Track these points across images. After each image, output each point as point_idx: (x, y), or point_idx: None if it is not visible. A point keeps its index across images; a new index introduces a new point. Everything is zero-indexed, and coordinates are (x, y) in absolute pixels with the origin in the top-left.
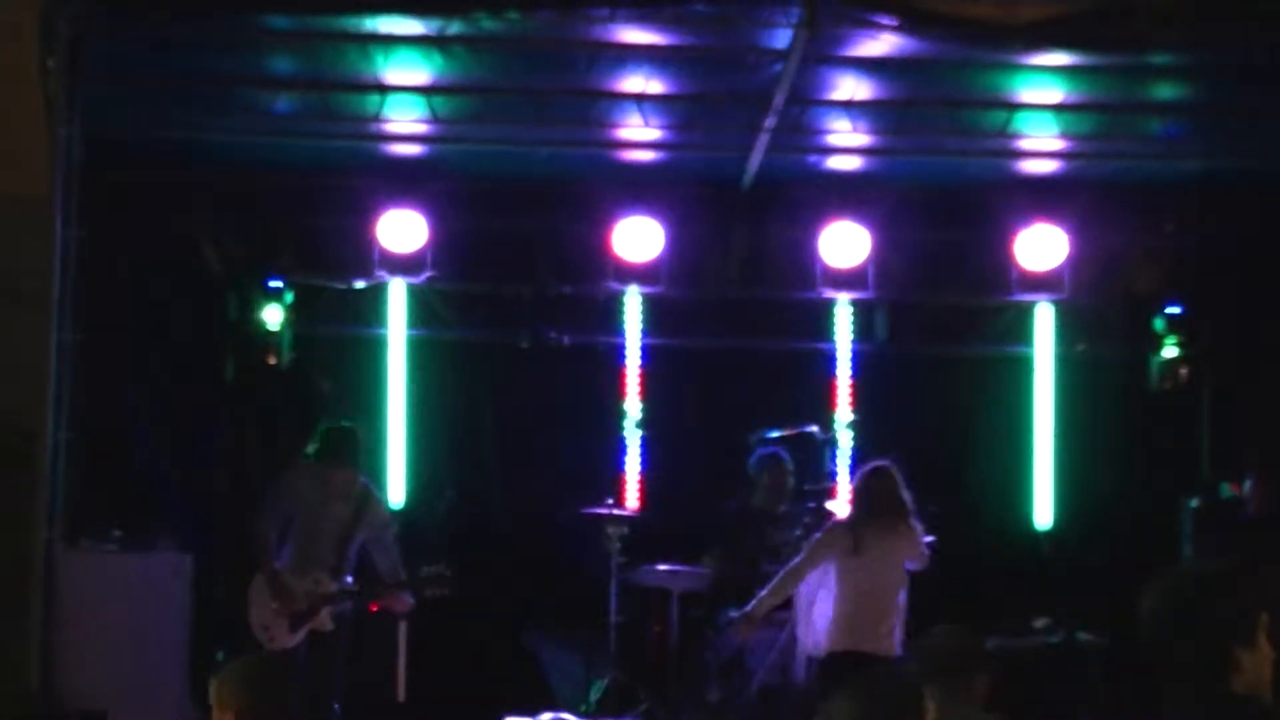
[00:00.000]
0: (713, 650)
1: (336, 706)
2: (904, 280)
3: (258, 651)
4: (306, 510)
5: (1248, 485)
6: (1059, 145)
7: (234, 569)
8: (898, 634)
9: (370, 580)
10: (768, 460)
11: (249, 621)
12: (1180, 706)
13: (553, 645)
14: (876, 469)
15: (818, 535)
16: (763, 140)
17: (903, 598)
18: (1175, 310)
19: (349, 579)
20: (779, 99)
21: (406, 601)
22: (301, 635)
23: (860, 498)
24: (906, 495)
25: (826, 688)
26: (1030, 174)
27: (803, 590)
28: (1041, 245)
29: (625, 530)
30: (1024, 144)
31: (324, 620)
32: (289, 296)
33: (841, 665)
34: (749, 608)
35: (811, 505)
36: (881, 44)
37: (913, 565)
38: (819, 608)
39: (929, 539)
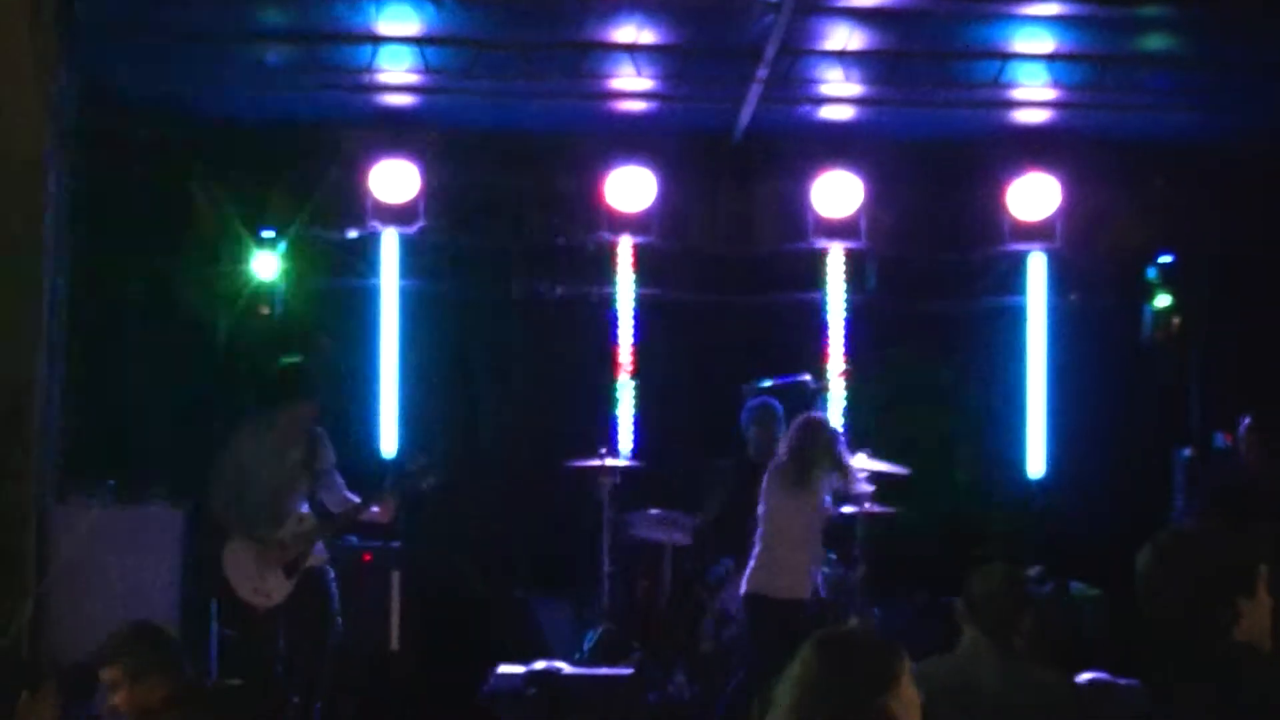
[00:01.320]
0: (705, 602)
1: (339, 621)
2: (896, 230)
3: (246, 615)
4: (262, 465)
5: (1242, 429)
6: (1051, 95)
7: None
8: (812, 577)
9: (349, 504)
10: (757, 411)
11: (234, 592)
12: (1184, 655)
13: (545, 596)
14: (809, 419)
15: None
16: (755, 90)
17: (817, 541)
18: (1167, 260)
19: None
20: (771, 49)
21: (390, 508)
22: (295, 581)
23: (790, 446)
24: (839, 446)
25: (751, 627)
26: (1023, 124)
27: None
28: (1034, 195)
29: (616, 481)
30: (1016, 94)
31: (315, 555)
32: (282, 247)
33: (757, 608)
34: None
35: None
36: None
37: (834, 498)
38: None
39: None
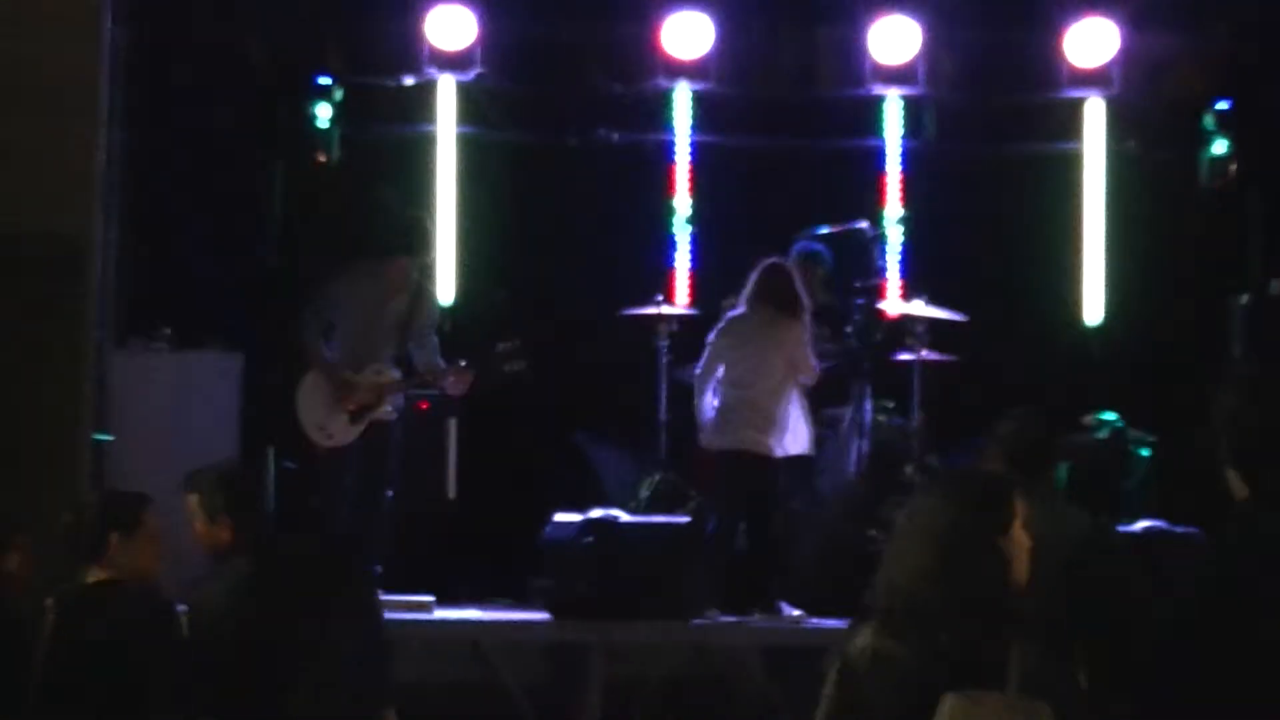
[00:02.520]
0: None
1: (390, 493)
2: (954, 76)
3: (309, 453)
4: (360, 308)
5: None
6: None
7: (284, 368)
8: (776, 433)
9: (434, 367)
10: (799, 257)
11: (301, 424)
12: (1268, 498)
13: (602, 444)
14: (773, 265)
15: (716, 328)
16: None
17: (785, 396)
18: (1224, 106)
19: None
20: None
21: (465, 384)
22: (361, 428)
23: (753, 291)
24: (803, 295)
25: (707, 477)
26: None
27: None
28: (1092, 40)
29: (674, 328)
30: None
31: (387, 411)
32: (338, 94)
33: (718, 461)
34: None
35: (861, 302)
36: None
37: (793, 368)
38: (708, 399)
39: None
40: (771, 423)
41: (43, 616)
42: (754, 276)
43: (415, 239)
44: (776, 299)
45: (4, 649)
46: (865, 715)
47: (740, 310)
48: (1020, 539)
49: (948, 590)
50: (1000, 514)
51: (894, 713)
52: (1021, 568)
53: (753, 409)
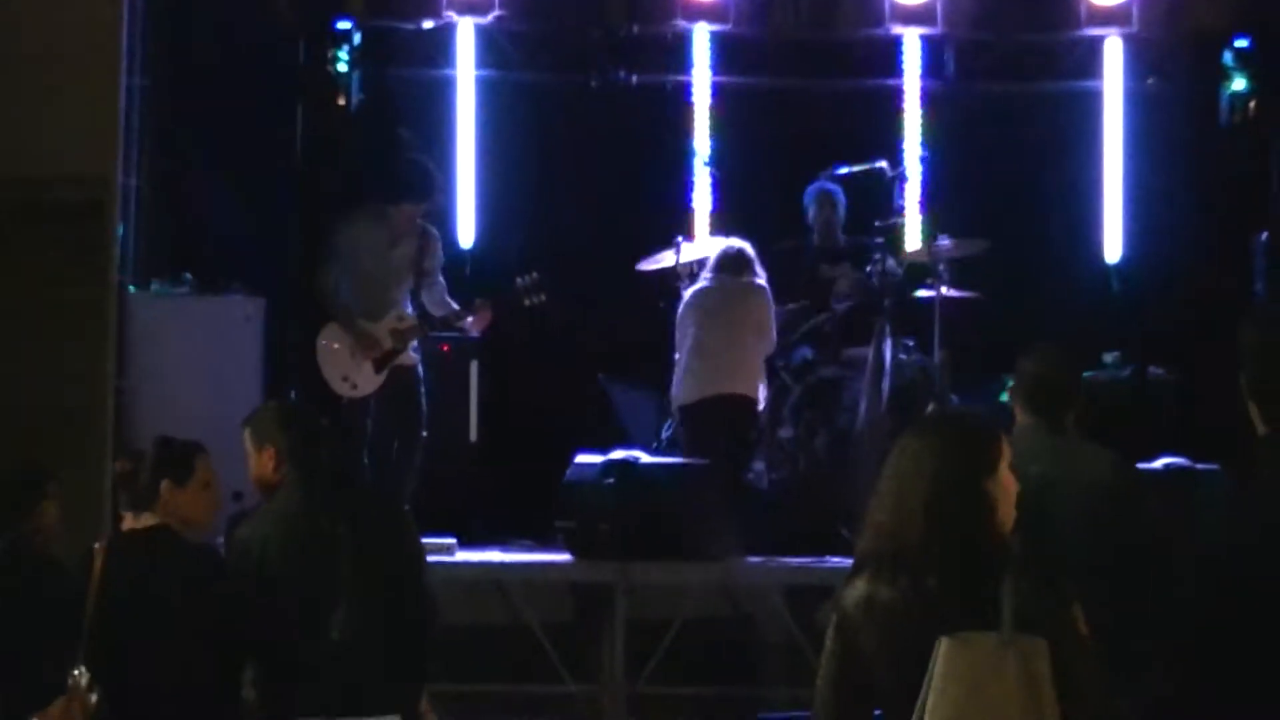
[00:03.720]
0: (788, 386)
1: (424, 434)
2: (972, 15)
3: (336, 404)
4: (371, 254)
5: None
6: None
7: (306, 312)
8: (760, 382)
9: (449, 308)
10: (814, 195)
11: (324, 377)
12: None
13: (624, 384)
14: (729, 242)
15: (683, 302)
16: None
17: (759, 361)
18: (1244, 44)
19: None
20: None
21: (485, 320)
22: (384, 376)
23: (717, 264)
24: (758, 267)
25: (693, 433)
26: None
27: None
28: None
29: (695, 269)
30: None
31: (409, 355)
32: (357, 38)
33: (703, 409)
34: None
35: (880, 240)
36: None
37: (760, 337)
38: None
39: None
40: (753, 375)
41: (90, 561)
42: (714, 252)
43: (418, 185)
44: (737, 268)
45: (52, 597)
46: (866, 664)
47: (705, 284)
48: (1007, 481)
49: (934, 534)
50: (986, 456)
51: (893, 659)
52: (1009, 510)
53: (733, 364)
